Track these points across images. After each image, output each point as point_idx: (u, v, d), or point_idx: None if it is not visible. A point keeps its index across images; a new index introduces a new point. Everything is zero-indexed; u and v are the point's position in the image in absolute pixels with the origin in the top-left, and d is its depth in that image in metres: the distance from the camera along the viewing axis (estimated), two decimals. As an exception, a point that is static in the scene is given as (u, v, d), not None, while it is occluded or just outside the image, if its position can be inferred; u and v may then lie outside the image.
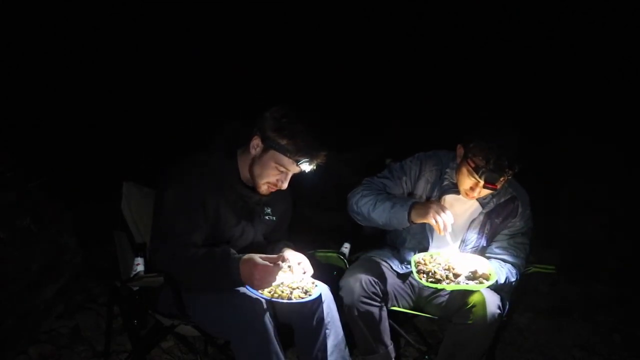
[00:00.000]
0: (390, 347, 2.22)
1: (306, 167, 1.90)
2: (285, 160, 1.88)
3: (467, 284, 1.97)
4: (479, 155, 1.97)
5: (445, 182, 2.20)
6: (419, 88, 5.25)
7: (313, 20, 5.28)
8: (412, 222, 2.05)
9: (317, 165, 1.92)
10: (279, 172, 1.92)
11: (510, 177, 2.04)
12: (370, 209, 2.14)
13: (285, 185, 1.95)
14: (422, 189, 2.24)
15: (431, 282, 1.97)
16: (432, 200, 2.12)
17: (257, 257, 1.77)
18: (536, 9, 5.06)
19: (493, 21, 5.19)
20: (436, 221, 1.97)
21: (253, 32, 5.25)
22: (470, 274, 2.02)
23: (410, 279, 2.30)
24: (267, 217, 2.10)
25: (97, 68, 4.51)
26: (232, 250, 1.83)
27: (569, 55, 5.01)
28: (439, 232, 1.99)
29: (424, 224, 2.15)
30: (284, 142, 1.86)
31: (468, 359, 2.06)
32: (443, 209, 1.99)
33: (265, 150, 1.90)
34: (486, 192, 2.09)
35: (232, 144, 2.00)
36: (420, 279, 1.98)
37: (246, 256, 1.78)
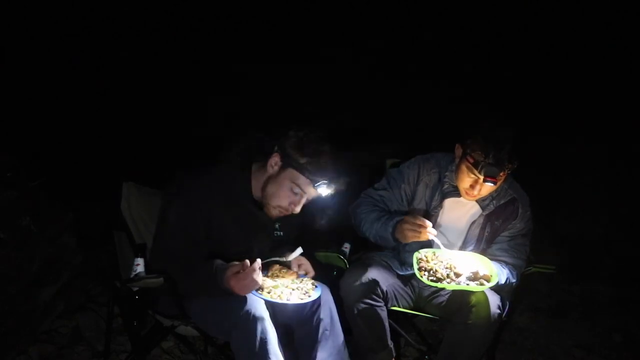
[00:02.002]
0: (390, 347, 2.22)
1: (323, 190, 1.84)
2: (303, 180, 1.84)
3: (467, 284, 1.97)
4: (478, 150, 1.97)
5: (446, 186, 2.19)
6: (419, 87, 5.24)
7: (312, 18, 5.27)
8: (399, 242, 2.08)
9: (334, 191, 1.87)
10: (293, 194, 1.87)
11: (509, 173, 2.04)
12: (364, 229, 2.21)
13: (298, 209, 1.89)
14: (421, 193, 2.23)
15: (431, 280, 1.97)
16: (406, 219, 2.05)
17: (228, 271, 1.74)
18: (535, 8, 5.06)
19: (492, 20, 5.19)
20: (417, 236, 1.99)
21: (253, 32, 5.24)
22: (471, 274, 2.02)
23: (410, 278, 2.30)
24: (275, 233, 2.06)
25: (98, 68, 4.51)
26: (217, 262, 1.81)
27: (569, 57, 5.01)
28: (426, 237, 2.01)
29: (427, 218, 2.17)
30: (304, 160, 1.82)
31: (468, 359, 2.06)
32: (416, 223, 1.98)
33: (283, 168, 1.86)
34: (487, 189, 2.08)
35: (247, 159, 1.95)
36: (421, 276, 1.98)
37: (225, 269, 1.75)
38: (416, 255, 2.09)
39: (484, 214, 2.19)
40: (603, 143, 4.49)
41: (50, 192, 2.67)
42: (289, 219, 2.05)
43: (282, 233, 2.08)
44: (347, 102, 5.09)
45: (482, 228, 2.20)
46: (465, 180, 2.08)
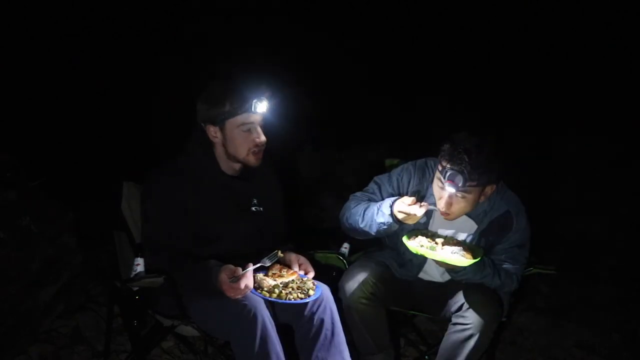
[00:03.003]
0: (390, 347, 2.22)
1: (262, 107, 1.92)
2: (241, 117, 1.91)
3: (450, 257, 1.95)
4: (446, 158, 1.92)
5: (431, 197, 2.12)
6: (418, 87, 5.24)
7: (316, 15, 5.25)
8: (399, 221, 2.00)
9: (270, 100, 1.94)
10: (249, 133, 1.94)
11: (481, 186, 1.96)
12: (358, 220, 2.11)
13: (263, 138, 1.96)
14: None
15: (416, 247, 1.96)
16: (397, 208, 2.00)
17: (222, 275, 1.76)
18: (535, 8, 5.06)
19: (492, 20, 5.19)
20: (414, 213, 1.94)
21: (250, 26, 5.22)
22: (456, 249, 1.98)
23: (409, 279, 2.29)
24: (254, 209, 2.09)
25: (98, 68, 4.51)
26: (211, 263, 1.83)
27: (569, 54, 5.00)
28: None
29: (416, 224, 2.16)
30: (227, 106, 1.89)
31: (468, 359, 2.06)
32: (404, 211, 1.95)
33: (221, 128, 1.93)
34: (458, 206, 1.98)
35: (205, 140, 2.01)
36: (408, 239, 1.99)
37: (218, 274, 1.77)
38: (406, 235, 2.07)
39: (479, 230, 2.13)
40: (605, 143, 4.49)
41: (50, 192, 2.67)
42: (266, 194, 2.12)
43: (262, 208, 2.11)
44: (343, 100, 5.08)
45: (477, 244, 2.14)
46: (436, 191, 2.03)
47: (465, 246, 2.05)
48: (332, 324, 1.98)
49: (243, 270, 1.79)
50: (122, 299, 2.05)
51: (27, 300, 2.39)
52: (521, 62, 5.14)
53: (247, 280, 1.78)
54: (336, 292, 2.12)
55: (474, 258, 1.96)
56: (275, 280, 1.92)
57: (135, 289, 1.89)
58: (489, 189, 2.02)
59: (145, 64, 4.71)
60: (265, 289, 1.87)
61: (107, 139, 4.24)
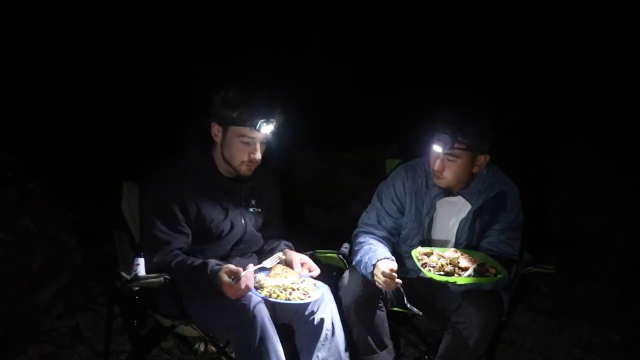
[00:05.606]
0: (390, 347, 2.22)
1: (266, 128, 1.91)
2: (244, 130, 1.91)
3: (476, 277, 1.93)
4: (440, 120, 2.03)
5: (434, 188, 2.17)
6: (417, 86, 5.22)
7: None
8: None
9: (278, 125, 1.94)
10: (247, 145, 1.94)
11: (469, 150, 2.02)
12: (360, 268, 2.14)
13: (258, 156, 1.96)
14: (411, 201, 2.22)
15: (440, 275, 1.93)
16: (375, 273, 2.04)
17: (223, 276, 1.78)
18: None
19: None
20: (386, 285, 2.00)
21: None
22: (477, 267, 1.97)
23: (409, 279, 2.29)
24: (251, 210, 2.10)
25: (98, 67, 4.51)
26: (212, 263, 1.84)
27: (572, 56, 4.99)
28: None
29: (422, 222, 2.21)
30: (235, 113, 1.90)
31: (468, 359, 2.06)
32: (382, 279, 1.99)
33: (224, 131, 1.94)
34: (450, 170, 2.06)
35: (204, 140, 2.02)
36: (429, 271, 1.95)
37: (218, 273, 1.79)
38: (414, 253, 2.06)
39: (473, 209, 2.16)
40: (605, 143, 4.48)
41: (50, 192, 2.67)
42: (263, 194, 2.13)
43: (260, 209, 2.13)
44: (342, 100, 5.07)
45: (472, 224, 2.17)
46: (432, 156, 2.09)
47: (466, 255, 2.05)
48: (332, 324, 1.98)
49: (244, 270, 1.80)
50: (122, 299, 2.05)
51: (27, 300, 2.39)
52: (518, 63, 5.12)
53: (248, 280, 1.79)
54: (336, 292, 2.12)
55: (479, 266, 1.97)
56: (276, 280, 1.92)
57: (135, 289, 1.89)
58: (482, 159, 2.08)
59: (145, 64, 4.72)
60: (266, 289, 1.87)
61: (107, 138, 4.24)
